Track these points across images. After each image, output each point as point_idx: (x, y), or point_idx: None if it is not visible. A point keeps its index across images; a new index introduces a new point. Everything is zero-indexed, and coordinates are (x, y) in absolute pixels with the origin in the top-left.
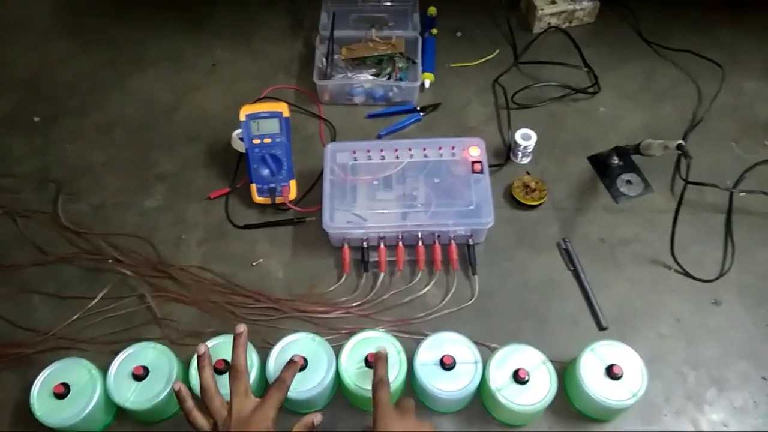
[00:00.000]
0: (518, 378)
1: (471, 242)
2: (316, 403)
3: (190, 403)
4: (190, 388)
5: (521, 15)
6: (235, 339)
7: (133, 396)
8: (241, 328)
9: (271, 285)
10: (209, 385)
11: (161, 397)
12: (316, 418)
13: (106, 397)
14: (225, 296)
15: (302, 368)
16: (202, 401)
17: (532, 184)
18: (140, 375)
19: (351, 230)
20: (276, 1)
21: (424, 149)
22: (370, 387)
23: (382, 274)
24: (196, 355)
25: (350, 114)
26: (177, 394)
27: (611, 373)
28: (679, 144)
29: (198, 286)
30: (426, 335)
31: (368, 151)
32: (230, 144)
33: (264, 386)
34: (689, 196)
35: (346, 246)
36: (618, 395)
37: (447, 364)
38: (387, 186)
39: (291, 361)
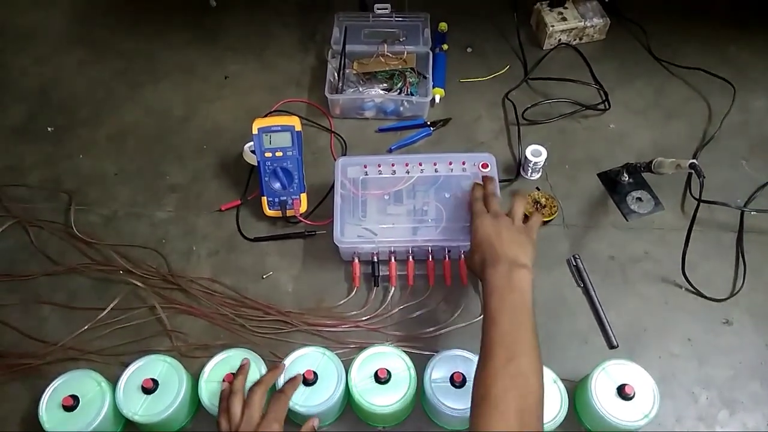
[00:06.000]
0: None
1: None
2: (325, 417)
3: (224, 404)
4: (199, 401)
5: (531, 31)
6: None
7: (142, 409)
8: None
9: (280, 298)
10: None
11: (170, 411)
12: (315, 422)
13: (115, 409)
14: (235, 309)
15: (312, 382)
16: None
17: (543, 200)
18: (150, 388)
19: (361, 244)
20: (288, 15)
21: (435, 164)
22: (379, 402)
23: (392, 289)
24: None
25: (361, 128)
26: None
27: (623, 393)
28: (692, 163)
29: (208, 298)
30: (436, 351)
31: (379, 166)
32: (242, 156)
33: None
34: (700, 214)
35: (356, 260)
36: (630, 416)
37: (457, 382)
38: (397, 200)
39: (295, 376)
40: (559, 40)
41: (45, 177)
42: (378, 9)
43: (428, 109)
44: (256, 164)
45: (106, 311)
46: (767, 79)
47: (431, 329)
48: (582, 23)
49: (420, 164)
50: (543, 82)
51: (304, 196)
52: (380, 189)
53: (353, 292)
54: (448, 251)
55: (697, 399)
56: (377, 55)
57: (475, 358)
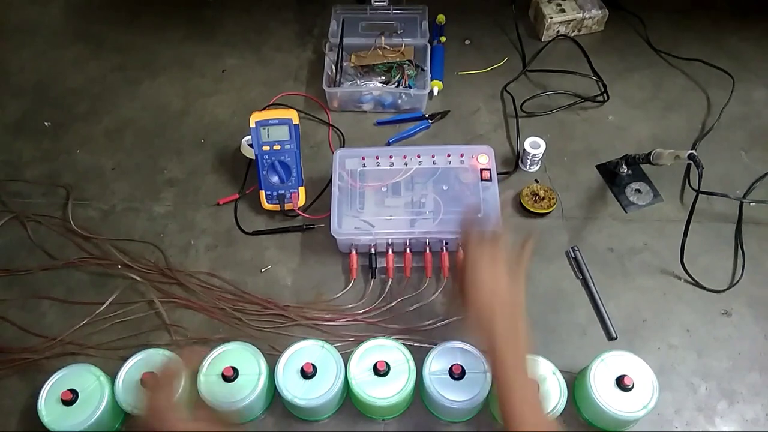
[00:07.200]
0: None
1: None
2: (324, 410)
3: None
4: (198, 396)
5: (530, 23)
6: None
7: (140, 403)
8: None
9: (279, 291)
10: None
11: None
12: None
13: (114, 403)
14: (233, 303)
15: (311, 375)
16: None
17: (541, 193)
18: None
19: (359, 236)
20: (286, 9)
21: (433, 156)
22: (378, 395)
23: (389, 281)
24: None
25: (359, 121)
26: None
27: (622, 384)
28: (691, 154)
29: (206, 292)
30: (434, 343)
31: (377, 158)
32: (239, 150)
33: (272, 394)
34: (698, 205)
35: (353, 252)
36: (629, 407)
37: (456, 374)
38: (395, 193)
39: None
40: (558, 31)
41: (42, 172)
42: (375, 1)
43: (426, 101)
44: (253, 158)
45: (105, 306)
46: (766, 69)
47: (429, 322)
48: (580, 15)
49: (418, 156)
50: (541, 74)
51: (302, 190)
52: (378, 181)
53: (350, 284)
54: (446, 243)
55: (696, 390)
56: (375, 47)
57: (474, 351)
